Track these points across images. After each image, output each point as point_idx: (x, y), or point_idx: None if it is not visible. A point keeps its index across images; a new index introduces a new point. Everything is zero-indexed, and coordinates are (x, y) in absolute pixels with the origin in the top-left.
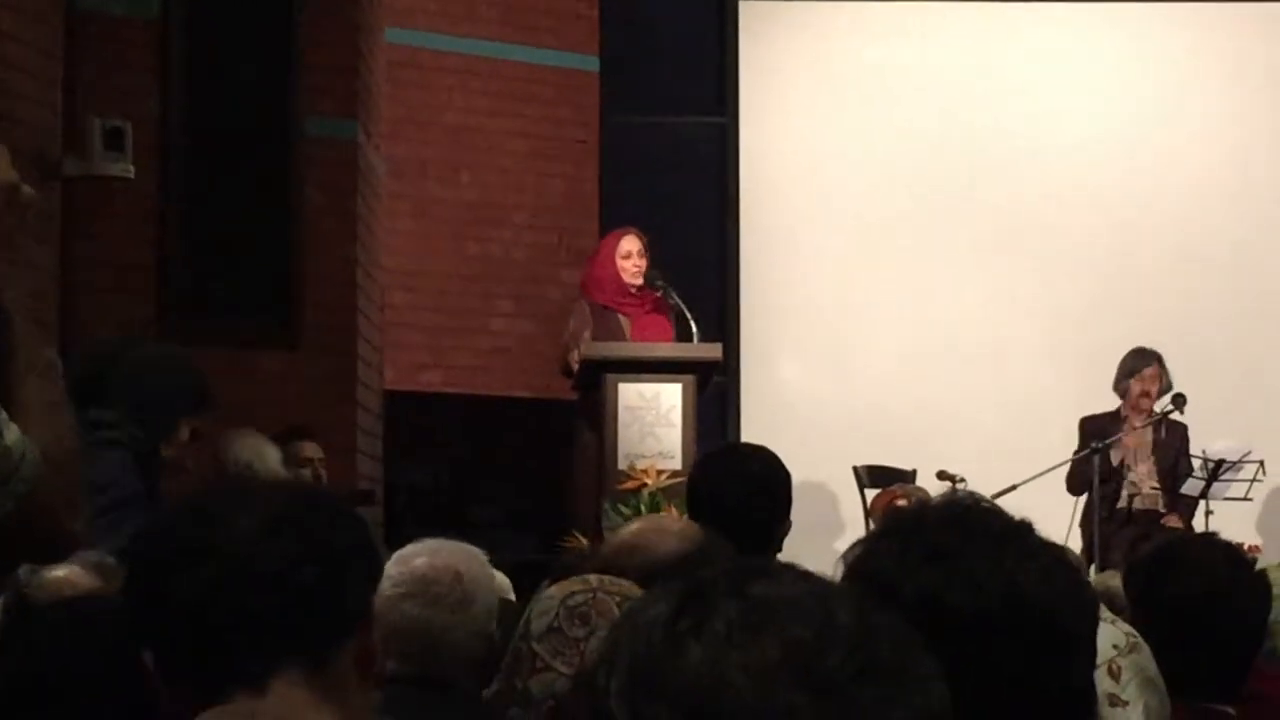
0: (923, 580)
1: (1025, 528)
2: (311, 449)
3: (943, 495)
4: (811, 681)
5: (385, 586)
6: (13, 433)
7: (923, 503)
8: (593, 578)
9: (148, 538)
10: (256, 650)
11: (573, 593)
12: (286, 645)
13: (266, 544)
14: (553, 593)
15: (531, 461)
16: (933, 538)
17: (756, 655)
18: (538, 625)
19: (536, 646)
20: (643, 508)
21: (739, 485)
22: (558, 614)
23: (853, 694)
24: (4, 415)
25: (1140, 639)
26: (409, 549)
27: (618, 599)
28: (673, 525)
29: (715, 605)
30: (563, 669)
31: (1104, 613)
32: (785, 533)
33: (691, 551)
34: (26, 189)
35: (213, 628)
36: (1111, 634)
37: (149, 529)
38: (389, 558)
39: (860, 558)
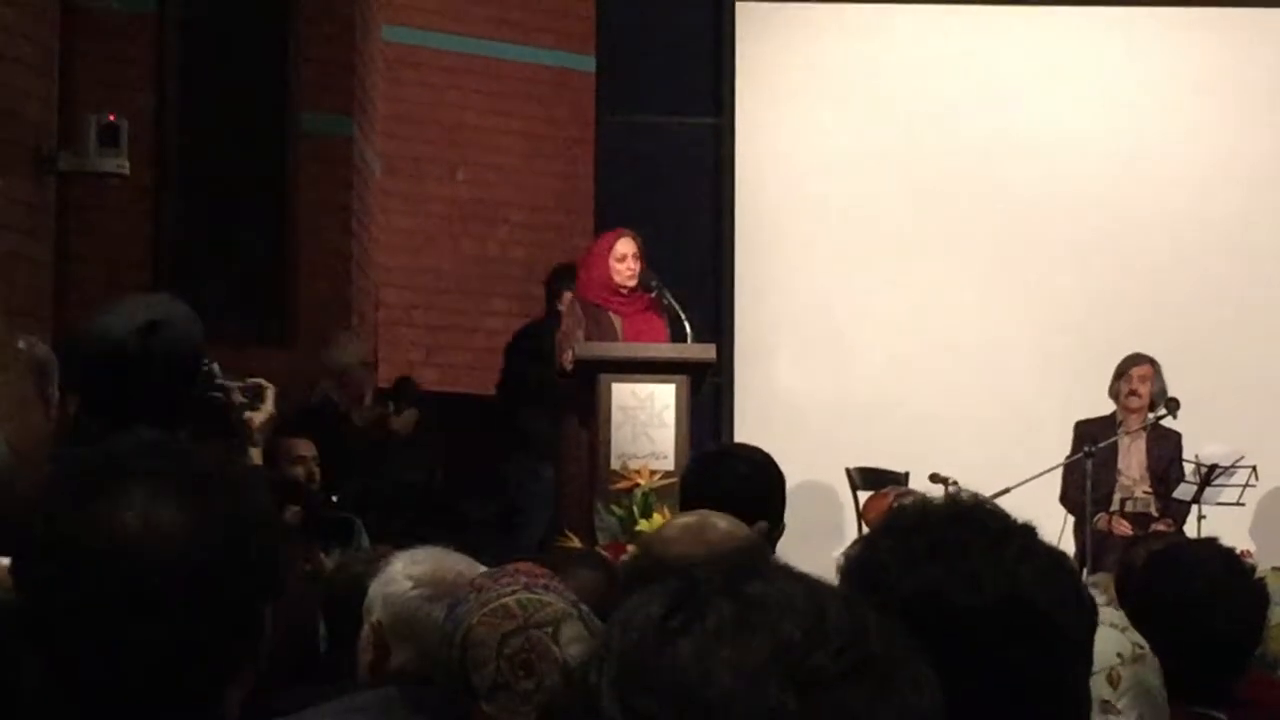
0: (922, 578)
1: (1026, 529)
2: (305, 447)
3: (945, 495)
4: (800, 680)
5: (404, 588)
6: None
7: (924, 502)
8: (514, 603)
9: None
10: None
11: (505, 636)
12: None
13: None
14: (483, 637)
15: (525, 461)
16: (934, 536)
17: (746, 653)
18: (479, 681)
19: (486, 708)
20: (635, 508)
21: (730, 486)
22: (498, 666)
23: (841, 694)
24: None
25: (1148, 651)
26: (421, 552)
27: (549, 630)
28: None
29: (708, 603)
30: None
31: (1117, 620)
32: (779, 535)
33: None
34: None
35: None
36: (1118, 642)
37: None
38: (377, 554)
39: (861, 555)
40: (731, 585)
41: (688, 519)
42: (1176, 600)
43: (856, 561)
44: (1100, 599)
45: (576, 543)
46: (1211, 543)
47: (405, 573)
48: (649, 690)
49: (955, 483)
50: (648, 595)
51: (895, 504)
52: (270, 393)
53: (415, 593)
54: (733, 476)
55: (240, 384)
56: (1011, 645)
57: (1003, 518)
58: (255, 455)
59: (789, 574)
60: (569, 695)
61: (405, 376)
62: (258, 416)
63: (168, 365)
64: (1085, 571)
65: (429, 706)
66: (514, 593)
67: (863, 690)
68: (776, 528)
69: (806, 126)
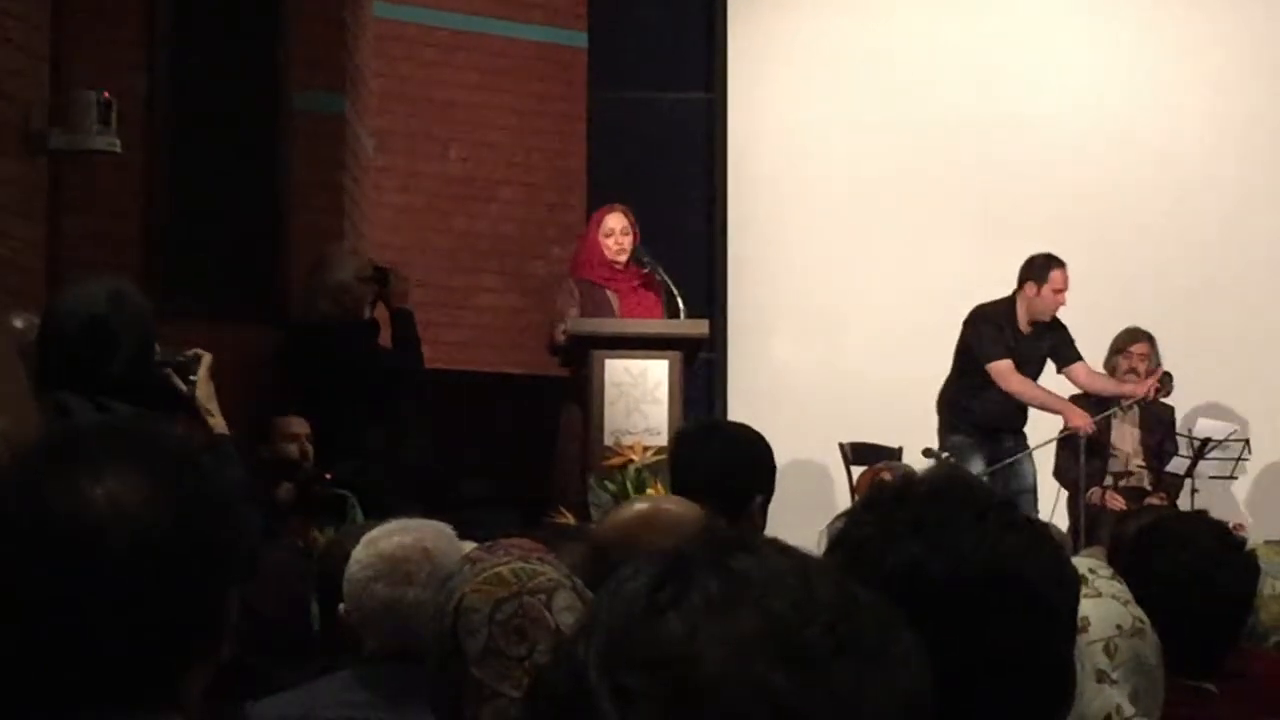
0: (905, 551)
1: (1008, 503)
2: (298, 424)
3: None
4: (788, 655)
5: (355, 570)
6: None
7: (906, 475)
8: (508, 572)
9: None
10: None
11: (498, 602)
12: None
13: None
14: (476, 604)
15: (518, 437)
16: (916, 509)
17: (734, 628)
18: (471, 646)
19: (476, 672)
20: (629, 484)
21: (716, 458)
22: (490, 632)
23: (830, 669)
24: None
25: (1148, 626)
26: (376, 531)
27: (543, 596)
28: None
29: (695, 577)
30: (511, 691)
31: (1119, 593)
32: (764, 507)
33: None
34: None
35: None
36: (1119, 614)
37: None
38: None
39: (843, 529)
40: (719, 559)
41: (639, 507)
42: (1166, 573)
43: (839, 536)
44: (1104, 573)
45: (570, 519)
46: (1201, 516)
47: (358, 556)
48: (636, 665)
49: (950, 457)
50: (634, 569)
51: (876, 479)
52: (205, 361)
53: (365, 574)
54: (718, 448)
55: (179, 357)
56: (995, 618)
57: (985, 491)
58: (218, 424)
59: (777, 548)
60: (554, 669)
61: (380, 266)
62: (197, 387)
63: (137, 333)
64: (1078, 546)
65: (386, 685)
66: (508, 563)
67: (852, 665)
68: (763, 500)
69: (800, 101)
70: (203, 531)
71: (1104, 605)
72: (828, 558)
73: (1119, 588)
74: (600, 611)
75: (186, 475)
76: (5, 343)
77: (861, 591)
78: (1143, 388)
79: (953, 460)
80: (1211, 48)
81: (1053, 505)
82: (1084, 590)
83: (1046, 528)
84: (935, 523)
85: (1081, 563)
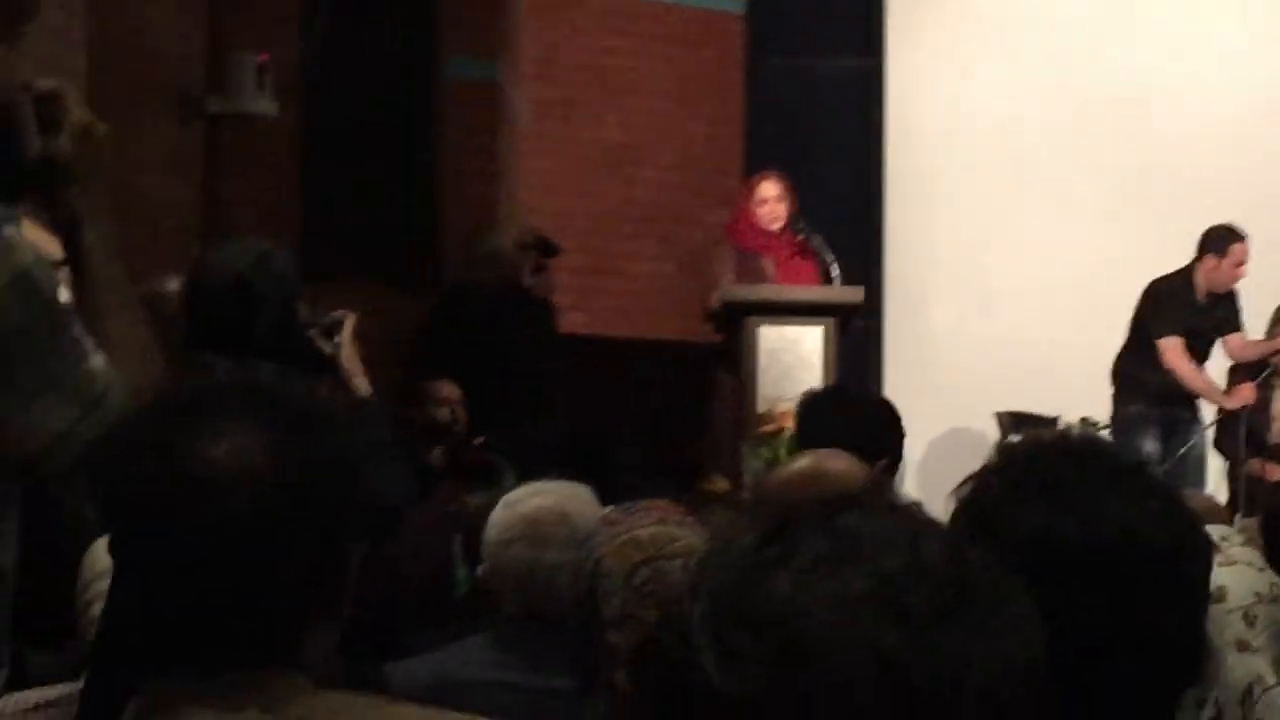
0: (1034, 515)
1: (1140, 467)
2: (449, 389)
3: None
4: (897, 616)
5: (494, 532)
6: (99, 359)
7: (1036, 439)
8: (645, 535)
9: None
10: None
11: (635, 566)
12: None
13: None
14: (612, 567)
15: (672, 404)
16: (1045, 473)
17: (841, 587)
18: (609, 611)
19: (613, 636)
20: (782, 451)
21: (839, 423)
22: (625, 596)
23: (939, 631)
24: (90, 342)
25: None
26: (515, 494)
27: (679, 561)
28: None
29: (803, 537)
30: None
31: (1255, 559)
32: (891, 470)
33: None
34: (100, 125)
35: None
36: (1256, 580)
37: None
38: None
39: (971, 493)
40: (826, 519)
41: (802, 464)
42: None
43: (967, 500)
44: (1237, 539)
45: (724, 485)
46: None
47: (497, 518)
48: (743, 624)
49: (1108, 427)
50: (740, 528)
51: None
52: (349, 322)
53: (504, 536)
54: (843, 415)
55: (325, 319)
56: (1125, 584)
57: (1115, 455)
58: (362, 386)
59: (887, 508)
60: (662, 629)
61: (543, 237)
62: (341, 349)
63: (281, 294)
64: (1238, 517)
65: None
66: (646, 527)
67: (961, 627)
68: (896, 465)
69: (958, 68)
70: (325, 491)
71: (1240, 572)
72: (955, 523)
73: (1254, 554)
74: (707, 570)
75: (310, 434)
76: (130, 293)
77: (973, 552)
78: None
79: (1119, 437)
80: None
81: (1215, 477)
82: (1218, 559)
83: (1180, 495)
84: (1065, 485)
85: (1215, 530)
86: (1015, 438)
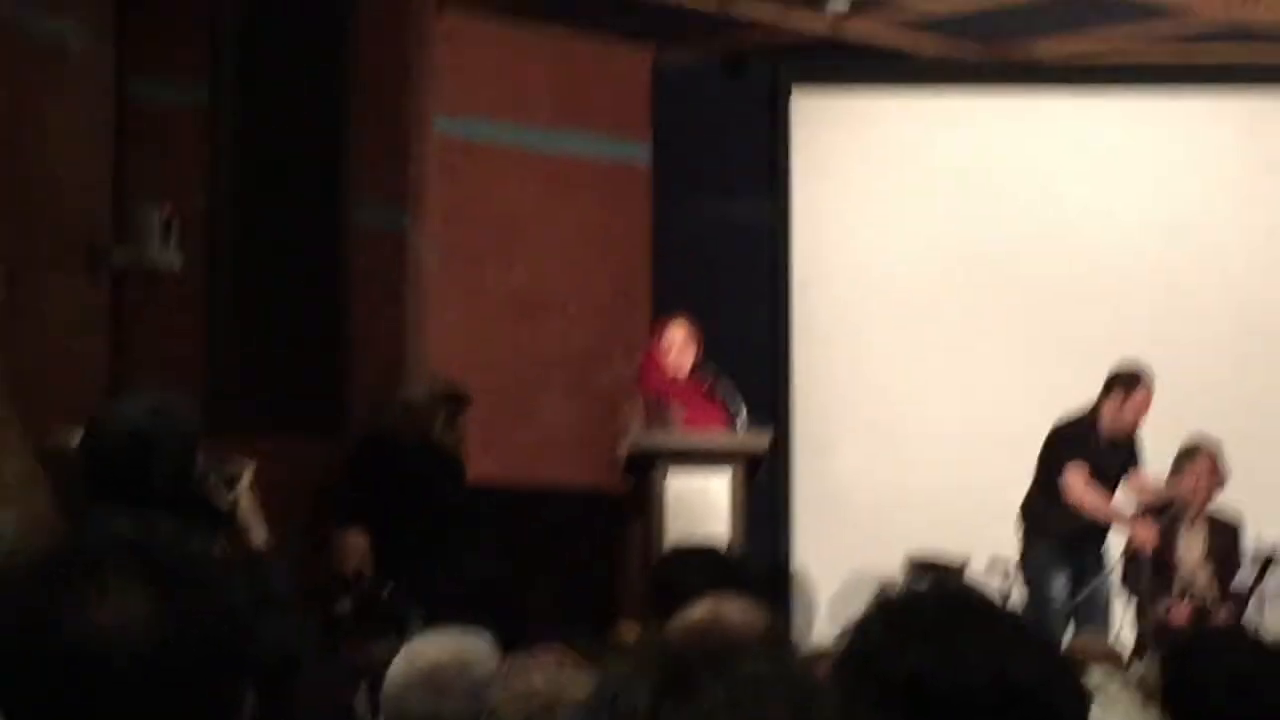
0: (913, 660)
1: (1014, 614)
2: (357, 539)
3: (931, 579)
4: None
5: (392, 685)
6: None
7: (913, 586)
8: (539, 683)
9: None
10: None
11: (528, 716)
12: None
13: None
14: (507, 717)
15: (584, 551)
16: (921, 619)
17: None
18: None
19: None
20: None
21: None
22: None
23: None
24: None
25: None
26: (414, 644)
27: (573, 710)
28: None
29: (699, 684)
30: None
31: (1136, 700)
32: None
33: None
34: None
35: None
36: None
37: None
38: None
39: (853, 639)
40: (722, 666)
41: (700, 611)
42: (1207, 685)
43: (849, 646)
44: (1116, 681)
45: (635, 631)
46: (1242, 628)
47: (396, 668)
48: None
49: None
50: (632, 675)
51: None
52: (248, 472)
53: (401, 686)
54: (702, 569)
55: (223, 469)
56: None
57: (988, 602)
58: (259, 536)
59: (778, 657)
60: None
61: (454, 389)
62: (239, 499)
63: (178, 444)
64: (1145, 659)
65: None
66: (541, 674)
67: None
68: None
69: (863, 213)
70: (210, 647)
71: (1122, 713)
72: (838, 668)
73: (1133, 695)
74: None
75: (196, 589)
76: (18, 436)
77: (859, 703)
78: (1188, 490)
79: (1027, 578)
80: (1261, 155)
81: (1120, 619)
82: (1099, 699)
83: (1053, 640)
84: (942, 632)
85: (1096, 672)
86: (916, 584)
